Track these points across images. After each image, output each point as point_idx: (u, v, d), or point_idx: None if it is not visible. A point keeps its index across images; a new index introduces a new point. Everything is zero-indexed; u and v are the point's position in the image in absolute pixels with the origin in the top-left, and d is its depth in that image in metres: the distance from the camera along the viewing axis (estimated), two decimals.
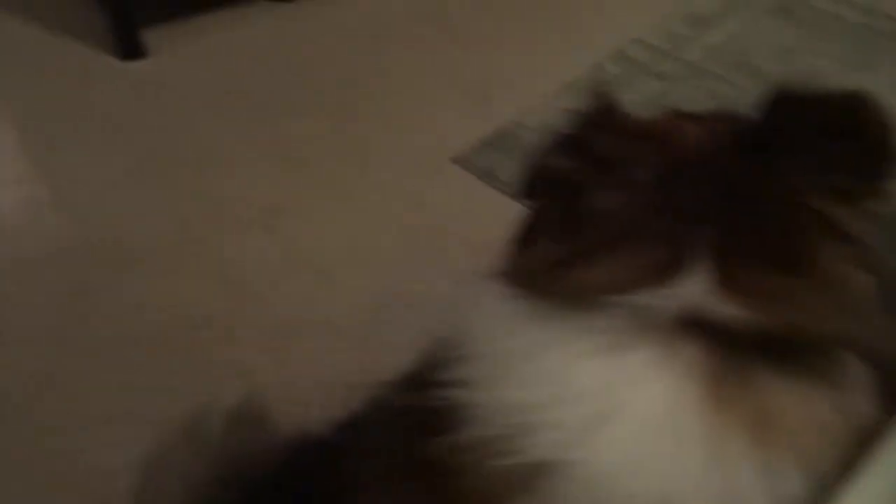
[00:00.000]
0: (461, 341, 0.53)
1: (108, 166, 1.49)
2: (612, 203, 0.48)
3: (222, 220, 1.39)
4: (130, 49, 1.72)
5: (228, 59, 1.79)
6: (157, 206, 1.41)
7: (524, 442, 0.44)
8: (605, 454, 0.44)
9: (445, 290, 1.26)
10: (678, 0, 2.12)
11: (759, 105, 0.50)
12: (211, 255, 1.33)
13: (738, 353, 0.45)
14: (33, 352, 1.17)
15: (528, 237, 0.56)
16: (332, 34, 1.90)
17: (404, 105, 1.68)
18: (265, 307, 1.24)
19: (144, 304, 1.24)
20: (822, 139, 0.47)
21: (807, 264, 0.46)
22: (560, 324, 0.47)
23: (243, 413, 1.06)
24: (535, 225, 0.55)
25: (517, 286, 0.52)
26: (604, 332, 0.46)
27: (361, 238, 1.37)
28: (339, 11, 1.98)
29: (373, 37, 1.89)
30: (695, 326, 0.45)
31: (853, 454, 0.45)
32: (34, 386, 1.12)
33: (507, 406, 0.46)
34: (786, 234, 0.46)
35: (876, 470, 0.43)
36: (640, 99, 1.73)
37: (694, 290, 0.45)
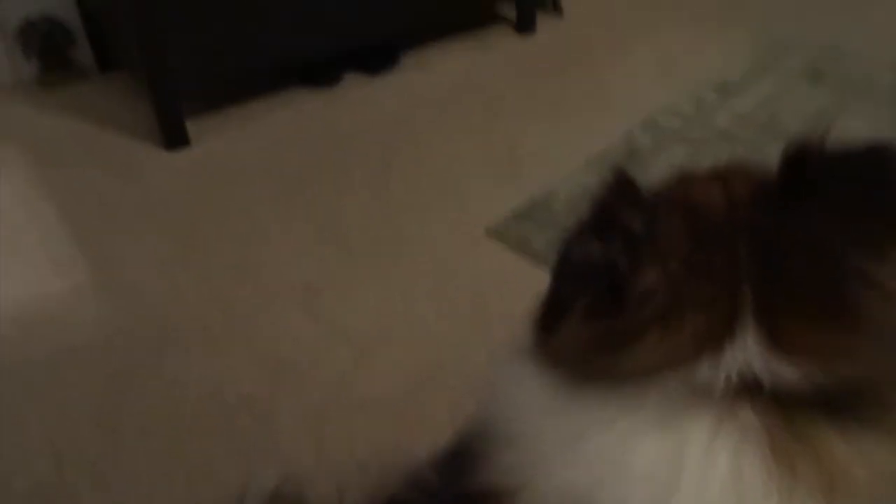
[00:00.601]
0: (502, 424, 0.52)
1: (152, 251, 1.53)
2: (650, 279, 0.47)
3: (262, 301, 1.41)
4: (174, 138, 1.81)
5: (267, 143, 1.86)
6: (199, 288, 1.44)
7: None
8: None
9: (482, 365, 1.24)
10: (707, 68, 2.15)
11: (779, 158, 0.49)
12: (250, 336, 1.34)
13: (796, 410, 0.44)
14: (77, 437, 1.17)
15: (554, 316, 0.55)
16: (367, 115, 1.96)
17: (438, 179, 1.72)
18: (303, 386, 1.24)
19: (184, 387, 1.25)
20: (848, 191, 0.46)
21: (849, 314, 0.45)
22: (610, 402, 0.46)
23: (280, 496, 1.04)
24: (562, 304, 0.54)
25: (555, 368, 0.51)
26: (658, 407, 0.45)
27: (398, 314, 1.37)
28: (373, 93, 2.06)
29: (406, 115, 1.95)
30: (750, 390, 0.44)
31: None
32: (77, 472, 1.12)
33: (559, 488, 0.45)
34: (825, 286, 0.45)
35: None
36: (670, 166, 1.73)
37: (745, 354, 0.44)
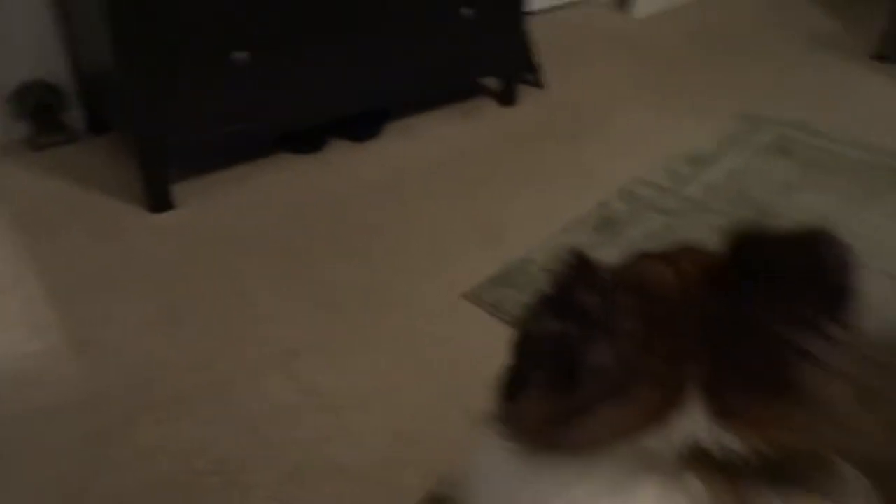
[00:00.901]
0: (470, 489, 0.54)
1: (133, 314, 1.54)
2: (604, 356, 0.50)
3: (241, 364, 1.41)
4: (159, 202, 1.84)
5: (252, 208, 1.89)
6: (179, 352, 1.44)
7: None
8: None
9: (457, 431, 1.24)
10: (679, 142, 2.24)
11: (723, 242, 0.53)
12: (227, 400, 1.33)
13: (740, 477, 0.46)
14: (44, 501, 1.15)
15: (515, 388, 0.58)
16: (351, 181, 2.01)
17: (421, 247, 1.75)
18: (277, 451, 1.23)
19: (157, 451, 1.24)
20: (787, 273, 0.50)
21: (790, 388, 0.48)
22: (566, 470, 0.49)
23: None
24: (521, 378, 0.57)
25: (517, 437, 0.53)
26: (609, 475, 0.48)
27: (377, 378, 1.37)
28: (358, 159, 2.11)
29: (391, 185, 2.00)
30: (697, 458, 0.47)
31: None
32: None
33: None
34: (767, 363, 0.49)
35: None
36: (645, 233, 1.78)
37: (693, 425, 0.47)
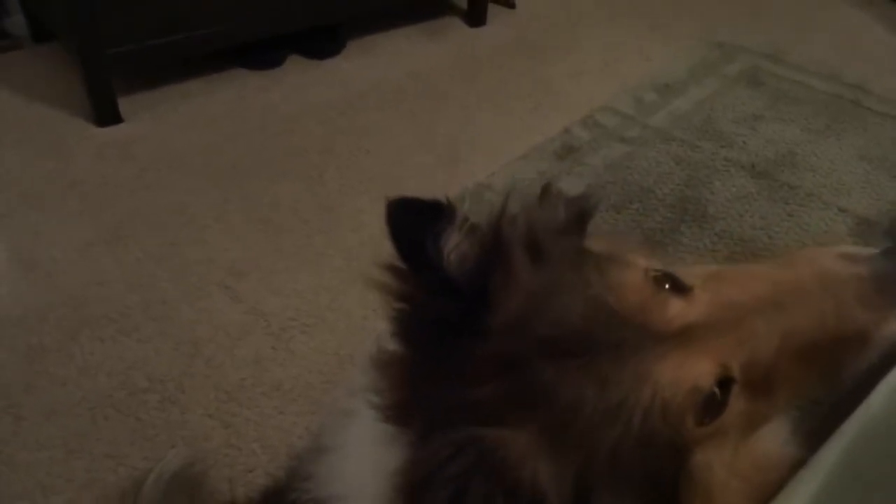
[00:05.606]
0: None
1: (77, 230, 1.49)
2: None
3: (185, 283, 1.39)
4: (106, 114, 1.76)
5: (202, 124, 1.82)
6: (123, 270, 1.41)
7: None
8: None
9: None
10: (650, 69, 2.18)
11: None
12: (168, 318, 1.31)
13: None
14: None
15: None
16: (308, 99, 1.94)
17: (375, 168, 1.71)
18: (216, 370, 1.22)
19: (96, 368, 1.22)
20: None
21: None
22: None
23: (183, 478, 1.03)
24: None
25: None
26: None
27: (322, 300, 1.36)
28: (317, 77, 2.03)
29: (349, 101, 1.94)
30: None
31: None
32: None
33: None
34: None
35: None
36: (605, 163, 1.75)
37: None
